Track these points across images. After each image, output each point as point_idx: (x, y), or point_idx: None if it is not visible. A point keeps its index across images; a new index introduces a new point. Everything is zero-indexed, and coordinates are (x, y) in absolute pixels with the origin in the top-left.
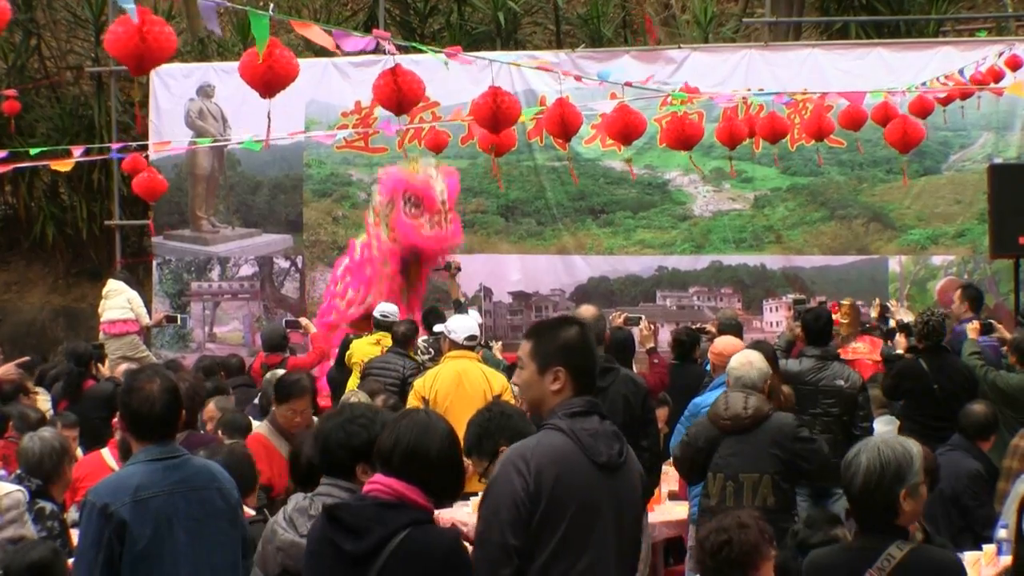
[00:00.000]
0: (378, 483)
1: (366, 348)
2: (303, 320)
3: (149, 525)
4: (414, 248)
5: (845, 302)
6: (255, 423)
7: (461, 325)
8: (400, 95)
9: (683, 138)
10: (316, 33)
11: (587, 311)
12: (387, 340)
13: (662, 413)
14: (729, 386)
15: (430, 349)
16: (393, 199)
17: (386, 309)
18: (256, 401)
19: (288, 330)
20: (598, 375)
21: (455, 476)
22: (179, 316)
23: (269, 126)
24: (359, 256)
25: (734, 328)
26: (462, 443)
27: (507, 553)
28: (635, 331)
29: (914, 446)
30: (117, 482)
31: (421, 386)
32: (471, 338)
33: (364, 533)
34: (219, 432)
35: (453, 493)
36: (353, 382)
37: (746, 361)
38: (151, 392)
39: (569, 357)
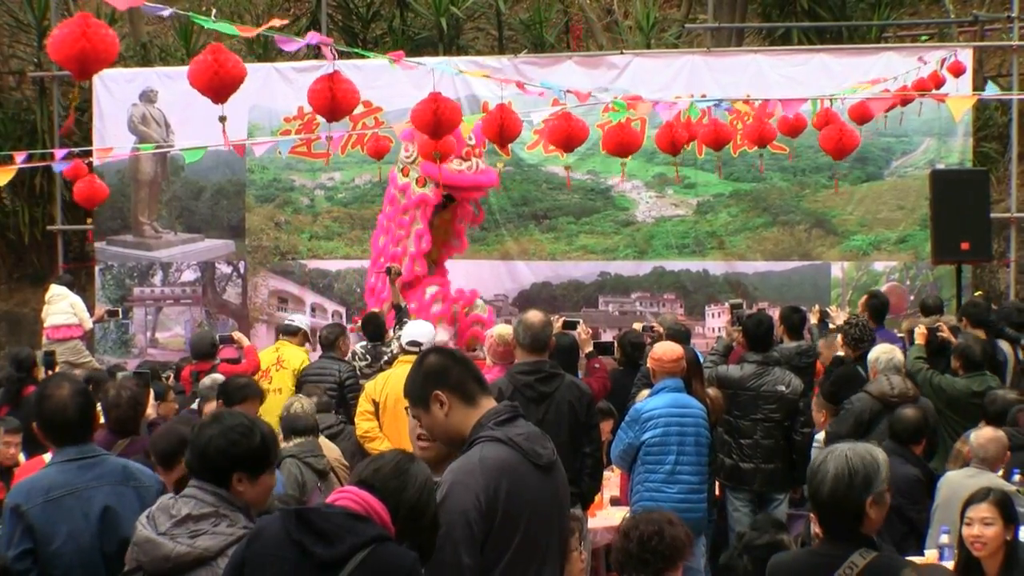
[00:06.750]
0: (350, 493)
1: (265, 356)
2: (236, 334)
3: (63, 523)
4: (448, 187)
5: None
6: None
7: (408, 331)
8: (334, 102)
9: (622, 145)
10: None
11: (535, 316)
12: (285, 347)
13: (606, 425)
14: (877, 372)
15: (367, 355)
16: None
17: (290, 315)
18: (195, 406)
19: (222, 345)
20: (543, 381)
21: (428, 528)
22: (120, 309)
23: (224, 130)
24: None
25: (681, 335)
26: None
27: (460, 572)
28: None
29: (880, 454)
30: (31, 484)
31: (372, 389)
32: (412, 343)
33: (336, 540)
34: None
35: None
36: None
37: (889, 349)
38: (62, 398)
39: (443, 378)
